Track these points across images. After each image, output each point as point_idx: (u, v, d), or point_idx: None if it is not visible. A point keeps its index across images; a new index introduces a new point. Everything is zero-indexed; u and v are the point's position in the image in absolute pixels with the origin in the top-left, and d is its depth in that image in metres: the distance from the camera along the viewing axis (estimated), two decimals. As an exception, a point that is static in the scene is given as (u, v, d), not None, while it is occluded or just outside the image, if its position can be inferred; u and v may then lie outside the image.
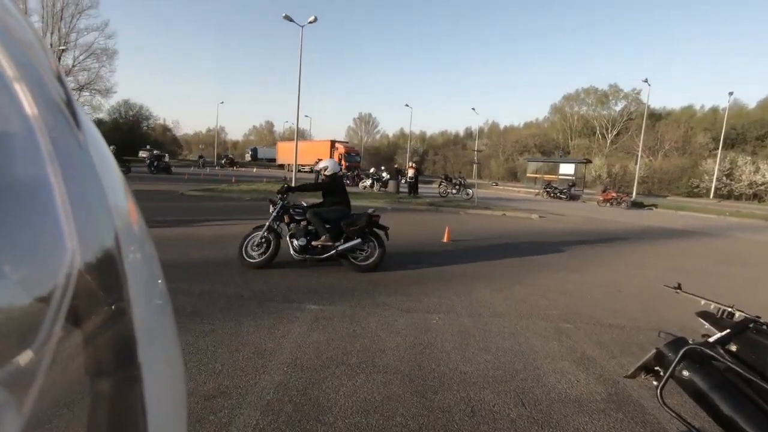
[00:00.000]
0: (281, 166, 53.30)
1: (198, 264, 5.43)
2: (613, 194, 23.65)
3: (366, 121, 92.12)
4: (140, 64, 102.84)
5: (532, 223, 12.97)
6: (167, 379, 0.27)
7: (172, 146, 72.83)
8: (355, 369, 2.95)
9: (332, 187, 5.97)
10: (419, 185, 20.84)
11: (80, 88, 49.06)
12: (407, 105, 51.18)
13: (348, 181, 25.88)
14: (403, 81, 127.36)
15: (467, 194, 20.75)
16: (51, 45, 45.01)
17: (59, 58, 45.82)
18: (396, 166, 24.69)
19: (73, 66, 48.11)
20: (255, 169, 46.26)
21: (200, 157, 53.70)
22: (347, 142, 55.44)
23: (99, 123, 51.80)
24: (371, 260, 5.61)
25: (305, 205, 5.92)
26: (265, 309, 3.96)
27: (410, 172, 20.39)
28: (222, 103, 70.27)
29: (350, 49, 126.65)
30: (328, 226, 5.54)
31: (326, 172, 5.95)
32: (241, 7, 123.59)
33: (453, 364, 3.14)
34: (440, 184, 22.83)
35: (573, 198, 26.63)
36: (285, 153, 52.09)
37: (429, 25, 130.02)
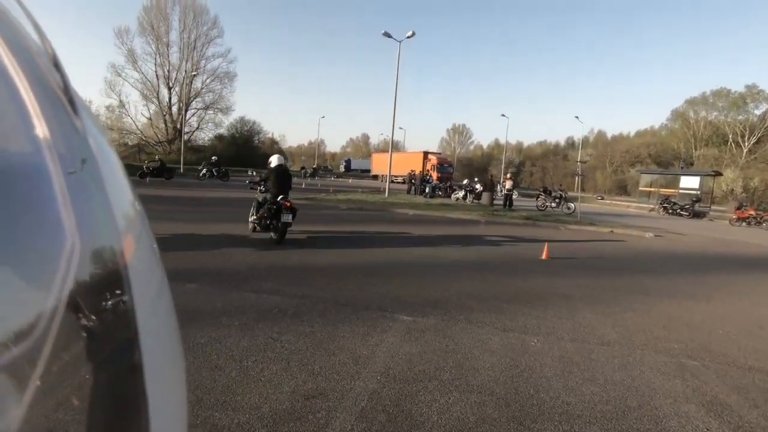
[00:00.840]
0: (375, 177, 55.05)
1: (297, 269, 5.80)
2: (751, 212, 20.30)
3: (459, 132, 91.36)
4: (253, 83, 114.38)
5: (647, 242, 11.63)
6: (169, 375, 0.26)
7: (279, 158, 79.20)
8: (448, 386, 2.89)
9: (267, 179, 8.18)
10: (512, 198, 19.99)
11: (206, 108, 56.06)
12: (503, 115, 49.53)
13: (440, 192, 25.81)
14: (500, 90, 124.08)
15: (568, 208, 19.35)
16: (185, 72, 52.20)
17: (191, 83, 53.03)
18: (490, 177, 23.91)
19: (201, 88, 55.22)
20: (350, 180, 48.31)
21: (302, 168, 57.86)
22: (440, 153, 55.39)
23: (219, 138, 58.68)
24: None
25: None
26: (360, 316, 4.08)
27: (507, 184, 19.64)
28: (323, 117, 74.92)
29: (445, 60, 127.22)
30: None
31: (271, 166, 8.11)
32: (341, 26, 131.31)
33: (554, 392, 2.92)
34: (538, 197, 21.62)
35: (697, 215, 23.40)
36: (379, 164, 53.75)
37: (526, 31, 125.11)
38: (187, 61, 53.81)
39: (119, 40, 50.88)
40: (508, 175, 20.51)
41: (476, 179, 27.23)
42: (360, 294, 4.78)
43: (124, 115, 52.33)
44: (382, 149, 75.98)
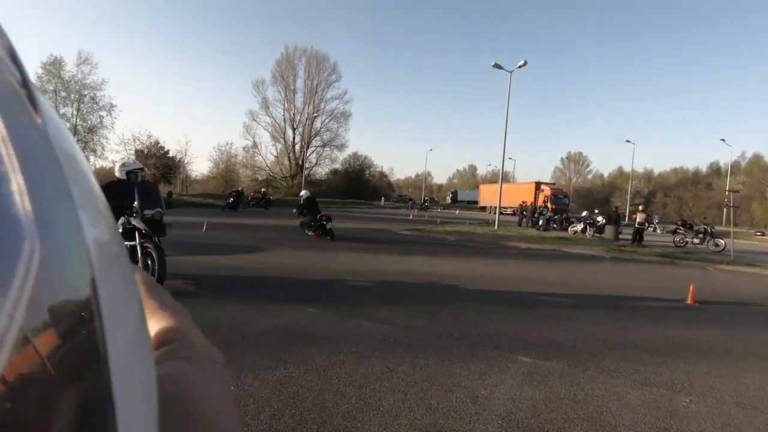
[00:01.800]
0: (483, 209, 53.77)
1: (409, 300, 5.83)
2: None
3: (575, 161, 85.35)
4: (365, 119, 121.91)
5: (834, 290, 9.29)
6: (138, 379, 0.24)
7: (387, 190, 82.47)
8: (581, 441, 2.58)
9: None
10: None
11: (324, 145, 61.24)
12: (628, 141, 44.94)
13: (555, 225, 24.14)
14: (621, 114, 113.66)
15: (716, 245, 16.51)
16: (308, 114, 58.13)
17: (312, 123, 58.70)
18: (614, 208, 21.67)
19: (321, 128, 60.66)
20: (457, 211, 47.88)
21: (409, 199, 59.12)
22: (554, 184, 52.19)
23: (334, 172, 63.30)
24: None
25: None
26: (475, 353, 3.91)
27: (639, 217, 17.50)
28: (431, 150, 76.31)
29: (559, 87, 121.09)
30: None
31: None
32: (449, 60, 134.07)
33: (720, 468, 2.41)
34: (676, 231, 18.87)
35: None
36: (487, 195, 52.50)
37: (651, 48, 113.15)
38: (309, 104, 59.91)
39: (256, 90, 59.08)
40: (640, 207, 18.25)
41: (597, 211, 24.92)
42: (475, 330, 4.60)
43: (256, 155, 59.70)
44: (490, 180, 74.27)
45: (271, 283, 6.22)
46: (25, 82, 0.23)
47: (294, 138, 61.37)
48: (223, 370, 0.40)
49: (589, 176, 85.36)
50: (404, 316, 4.90)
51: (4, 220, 0.18)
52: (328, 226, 12.03)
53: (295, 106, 60.13)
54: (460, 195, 75.20)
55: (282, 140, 61.13)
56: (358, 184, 64.85)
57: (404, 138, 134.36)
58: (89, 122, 42.44)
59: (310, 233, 12.41)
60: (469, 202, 63.15)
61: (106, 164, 48.98)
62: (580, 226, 21.16)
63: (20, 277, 0.16)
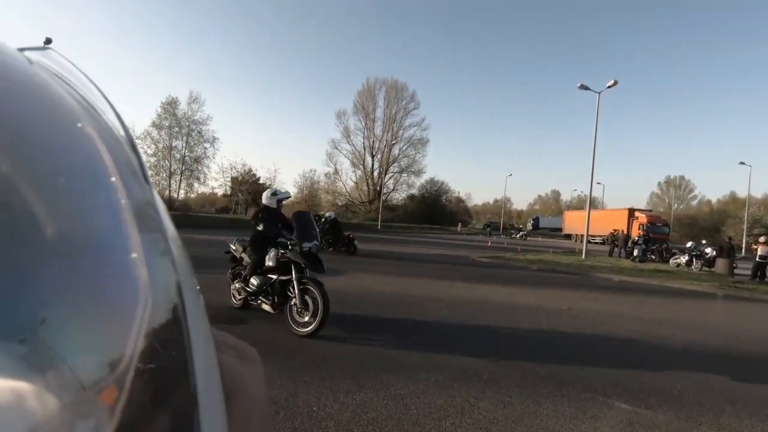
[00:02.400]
0: (567, 236, 50.52)
1: (489, 329, 5.59)
2: None
3: (676, 185, 77.23)
4: (443, 145, 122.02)
5: None
6: (210, 377, 0.28)
7: (464, 216, 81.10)
8: None
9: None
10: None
11: (401, 171, 62.43)
12: (742, 163, 39.68)
13: (652, 256, 21.86)
14: (732, 133, 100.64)
15: None
16: (386, 141, 59.84)
17: (390, 150, 60.22)
18: (727, 239, 19.08)
19: (399, 154, 62.04)
20: (539, 239, 45.48)
21: (487, 225, 57.41)
22: (650, 210, 47.68)
23: (411, 197, 63.94)
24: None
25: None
26: (564, 393, 3.60)
27: (761, 249, 15.22)
28: (510, 175, 73.96)
29: (654, 107, 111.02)
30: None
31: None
32: (531, 80, 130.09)
33: None
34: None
35: None
36: (572, 222, 49.37)
37: (760, 52, 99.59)
38: (388, 132, 61.84)
39: (338, 120, 62.47)
40: (762, 238, 15.83)
41: (704, 242, 22.20)
42: (563, 368, 4.26)
43: (337, 181, 62.51)
44: (575, 206, 69.89)
45: (351, 306, 6.36)
46: (141, 166, 0.31)
47: (373, 164, 63.44)
48: (262, 368, 0.45)
49: (694, 202, 76.54)
50: (484, 347, 4.69)
51: (127, 279, 0.22)
52: (356, 243, 14.63)
53: (374, 134, 62.45)
54: (542, 221, 71.44)
55: (362, 167, 63.48)
56: (435, 209, 64.74)
57: (482, 162, 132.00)
58: (195, 153, 47.74)
59: (329, 249, 14.39)
60: (552, 230, 59.60)
61: (207, 190, 54.36)
62: (684, 258, 18.94)
63: (136, 328, 0.21)
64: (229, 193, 56.69)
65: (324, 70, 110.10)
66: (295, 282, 4.84)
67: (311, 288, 4.79)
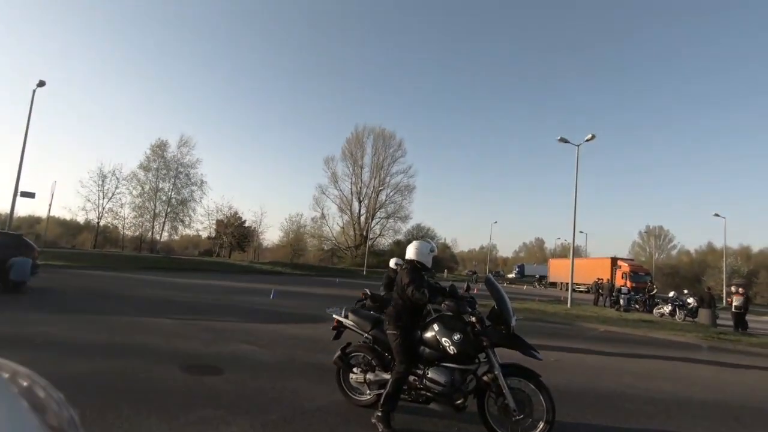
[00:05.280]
0: (552, 285, 50.61)
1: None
2: None
3: (655, 235, 78.99)
4: (429, 192, 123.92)
5: None
6: None
7: (450, 262, 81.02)
8: None
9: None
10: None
11: (388, 217, 62.85)
12: (717, 215, 41.07)
13: (636, 306, 21.97)
14: (708, 186, 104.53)
15: None
16: (373, 187, 60.64)
17: (377, 196, 60.91)
18: (707, 289, 19.34)
19: (385, 200, 62.77)
20: (525, 287, 45.54)
21: (473, 272, 57.36)
22: (632, 260, 48.37)
23: (397, 243, 63.95)
24: None
25: None
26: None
27: (735, 300, 15.44)
28: (495, 222, 75.06)
29: (633, 159, 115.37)
30: None
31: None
32: (513, 134, 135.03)
33: None
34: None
35: None
36: (557, 270, 49.60)
37: (736, 109, 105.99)
38: (375, 178, 62.79)
39: (326, 166, 63.36)
40: (740, 289, 16.04)
41: (686, 291, 22.48)
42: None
43: (323, 225, 62.44)
44: (560, 254, 70.59)
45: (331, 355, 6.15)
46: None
47: (360, 210, 63.79)
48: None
49: (674, 252, 78.13)
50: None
51: None
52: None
53: (362, 180, 63.30)
54: (527, 269, 71.66)
55: (348, 212, 63.73)
56: (421, 255, 64.42)
57: (468, 209, 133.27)
58: (182, 195, 47.53)
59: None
60: (541, 277, 59.68)
61: (191, 232, 53.57)
62: (668, 308, 19.05)
63: None
64: (213, 235, 56.00)
65: (311, 117, 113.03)
66: (499, 374, 3.87)
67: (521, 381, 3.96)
